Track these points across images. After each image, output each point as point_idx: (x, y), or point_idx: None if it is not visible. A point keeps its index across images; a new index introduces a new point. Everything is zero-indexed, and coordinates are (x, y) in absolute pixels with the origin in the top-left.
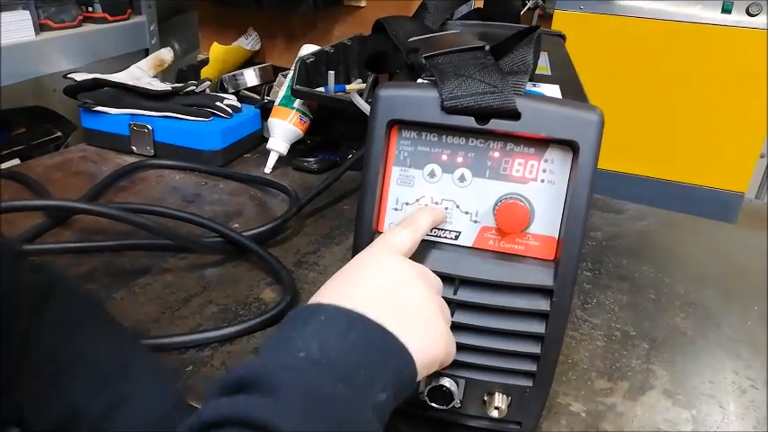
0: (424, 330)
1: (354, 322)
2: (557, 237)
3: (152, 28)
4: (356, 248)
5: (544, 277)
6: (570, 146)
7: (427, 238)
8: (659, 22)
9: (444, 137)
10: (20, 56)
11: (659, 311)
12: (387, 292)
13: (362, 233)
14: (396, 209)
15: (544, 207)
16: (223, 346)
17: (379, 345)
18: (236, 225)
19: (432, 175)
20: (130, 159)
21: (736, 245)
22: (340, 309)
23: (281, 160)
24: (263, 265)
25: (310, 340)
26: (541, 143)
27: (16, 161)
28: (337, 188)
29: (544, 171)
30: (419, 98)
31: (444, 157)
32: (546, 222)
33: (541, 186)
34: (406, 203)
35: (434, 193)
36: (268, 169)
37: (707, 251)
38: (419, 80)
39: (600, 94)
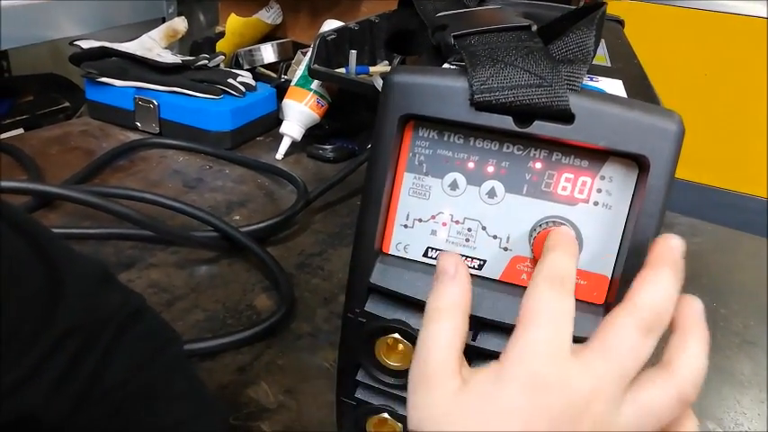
0: None
1: None
2: (609, 276)
3: None
4: (353, 273)
5: (591, 327)
6: (637, 161)
7: None
8: (721, 16)
9: (472, 139)
10: (24, 19)
11: (714, 351)
12: None
13: (362, 254)
14: (405, 225)
15: (596, 237)
16: (203, 361)
17: None
18: (238, 217)
19: (453, 186)
20: (134, 136)
21: None
22: None
23: (295, 146)
24: (260, 266)
25: None
26: (598, 155)
27: (20, 131)
28: (353, 180)
29: (599, 191)
30: (442, 88)
31: (471, 165)
32: (597, 257)
33: (594, 210)
34: (419, 220)
35: (455, 210)
36: (280, 155)
37: None
38: (445, 65)
39: None
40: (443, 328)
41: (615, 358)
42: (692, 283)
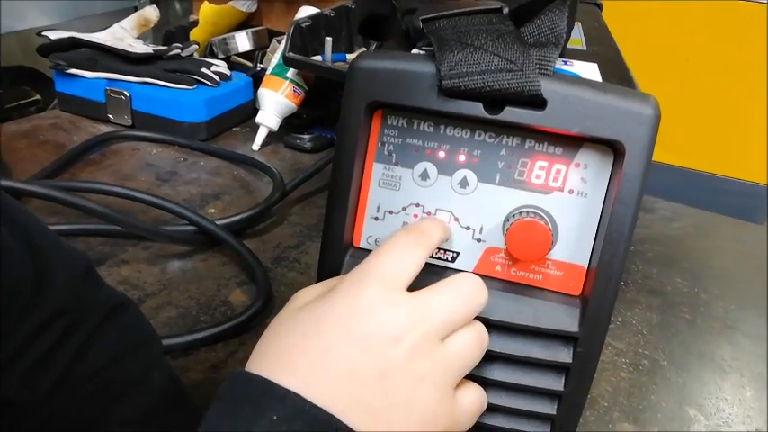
0: None
1: None
2: (586, 266)
3: None
4: (322, 268)
5: (566, 320)
6: (612, 147)
7: None
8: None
9: (442, 127)
10: None
11: (695, 335)
12: (370, 371)
13: (331, 248)
14: (376, 218)
15: (571, 226)
16: (175, 359)
17: None
18: (212, 210)
19: (424, 176)
20: (106, 129)
21: None
22: (303, 405)
23: (272, 136)
24: (236, 260)
25: None
26: (573, 142)
27: None
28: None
29: (574, 179)
30: (410, 74)
31: (441, 155)
32: (572, 247)
33: (569, 199)
34: (390, 212)
35: (427, 201)
36: (256, 146)
37: (749, 263)
38: (414, 50)
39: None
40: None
41: (444, 304)
42: (672, 267)
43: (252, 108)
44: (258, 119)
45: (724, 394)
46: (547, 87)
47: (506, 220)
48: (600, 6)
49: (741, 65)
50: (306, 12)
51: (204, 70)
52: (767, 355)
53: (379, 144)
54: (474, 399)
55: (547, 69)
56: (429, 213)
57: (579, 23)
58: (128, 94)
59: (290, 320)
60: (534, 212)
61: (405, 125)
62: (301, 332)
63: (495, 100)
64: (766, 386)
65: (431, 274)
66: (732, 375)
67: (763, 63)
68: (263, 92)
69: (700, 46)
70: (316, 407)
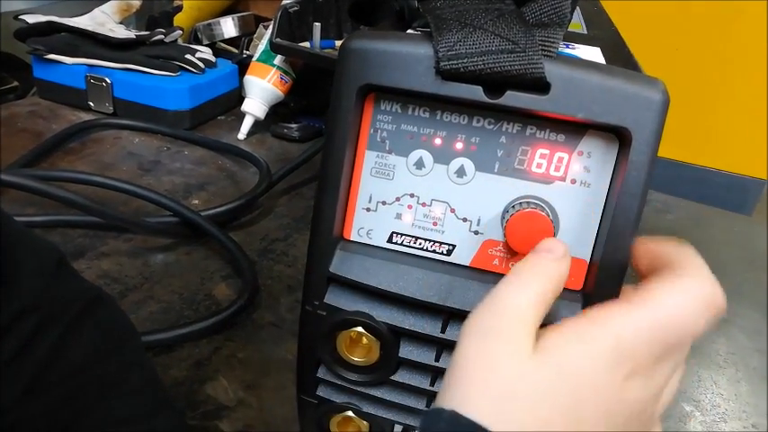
0: None
1: None
2: (588, 260)
3: None
4: (311, 262)
5: (567, 316)
6: (617, 134)
7: (409, 251)
8: None
9: (439, 113)
10: None
11: None
12: None
13: (320, 241)
14: (368, 209)
15: (573, 218)
16: (158, 355)
17: None
18: (196, 201)
19: (419, 165)
20: (86, 117)
21: None
22: None
23: (259, 125)
24: (221, 253)
25: None
26: (576, 129)
27: None
28: (320, 161)
29: (577, 168)
30: (405, 55)
31: (438, 142)
32: (574, 239)
33: (571, 189)
34: (383, 202)
35: (422, 191)
36: (242, 135)
37: (743, 255)
38: (409, 31)
39: None
40: (530, 289)
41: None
42: None
43: (238, 96)
44: (244, 107)
45: (720, 389)
46: (550, 70)
47: (505, 211)
48: None
49: (731, 57)
50: None
51: (188, 57)
52: (767, 349)
53: (372, 130)
54: None
55: (550, 51)
56: (424, 204)
57: (577, 7)
58: (109, 81)
59: (532, 373)
60: (535, 203)
61: (399, 110)
62: (558, 404)
63: (496, 83)
64: (766, 380)
65: (423, 268)
66: (728, 370)
67: (753, 55)
68: (250, 79)
69: (690, 36)
70: None
